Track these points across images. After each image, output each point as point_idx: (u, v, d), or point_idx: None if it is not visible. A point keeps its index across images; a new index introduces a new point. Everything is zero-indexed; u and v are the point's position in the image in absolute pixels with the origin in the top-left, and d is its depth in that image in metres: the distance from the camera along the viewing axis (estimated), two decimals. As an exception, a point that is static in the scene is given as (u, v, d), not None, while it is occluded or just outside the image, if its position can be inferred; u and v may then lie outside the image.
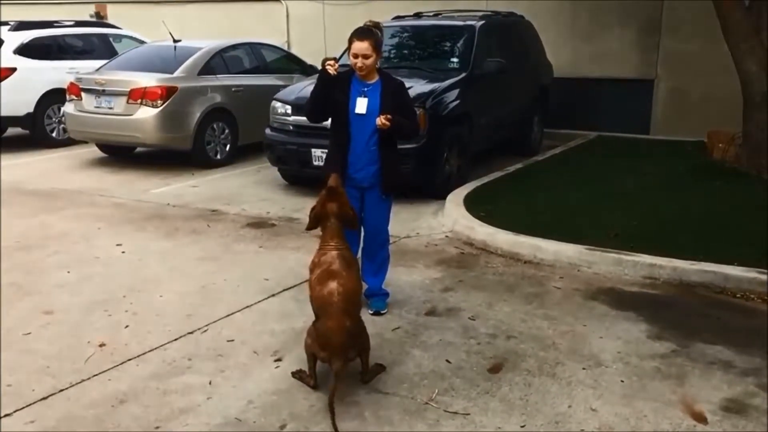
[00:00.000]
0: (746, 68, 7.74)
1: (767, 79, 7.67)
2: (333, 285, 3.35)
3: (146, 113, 8.47)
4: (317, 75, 4.20)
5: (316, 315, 3.43)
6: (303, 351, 3.51)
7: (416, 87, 6.89)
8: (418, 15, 9.27)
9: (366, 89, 4.15)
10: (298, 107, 7.26)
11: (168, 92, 8.49)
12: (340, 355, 3.27)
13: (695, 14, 9.69)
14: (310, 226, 3.68)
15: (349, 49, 4.09)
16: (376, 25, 4.16)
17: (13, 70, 9.95)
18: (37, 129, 10.40)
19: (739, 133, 8.18)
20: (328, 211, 3.60)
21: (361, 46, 4.02)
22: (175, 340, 4.03)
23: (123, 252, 5.64)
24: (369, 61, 4.06)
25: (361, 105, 4.13)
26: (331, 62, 4.05)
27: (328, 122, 4.36)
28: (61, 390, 3.47)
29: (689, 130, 10.00)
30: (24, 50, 10.26)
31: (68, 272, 5.16)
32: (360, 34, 4.06)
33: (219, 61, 9.33)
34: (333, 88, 4.13)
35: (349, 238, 3.73)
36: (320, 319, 3.38)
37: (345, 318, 3.31)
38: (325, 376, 3.43)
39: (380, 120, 4.02)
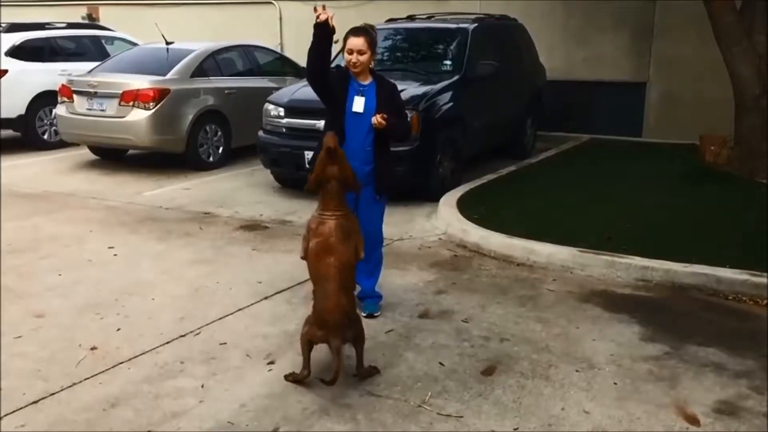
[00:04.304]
0: (738, 72, 7.77)
1: (759, 82, 7.71)
2: (330, 260, 3.42)
3: (138, 115, 8.44)
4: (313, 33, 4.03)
5: (313, 282, 3.50)
6: (296, 354, 3.53)
7: (409, 89, 6.90)
8: (411, 18, 9.28)
9: (362, 89, 4.15)
10: (291, 110, 7.26)
11: (160, 94, 8.47)
12: (337, 334, 3.35)
13: (687, 17, 9.73)
14: (311, 189, 3.61)
15: (343, 47, 4.09)
16: (371, 27, 4.18)
17: (5, 72, 9.90)
18: (28, 131, 10.34)
19: (731, 136, 8.21)
20: (328, 175, 3.54)
21: (357, 41, 4.03)
22: (168, 343, 4.02)
23: (115, 255, 5.62)
24: (363, 58, 4.06)
25: (359, 104, 4.13)
26: (321, 5, 3.85)
27: (322, 124, 4.35)
28: (53, 394, 3.45)
29: (681, 133, 10.05)
30: (15, 52, 10.19)
31: (60, 275, 5.13)
32: (355, 31, 4.08)
33: (212, 63, 9.31)
34: (329, 42, 3.94)
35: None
36: (317, 296, 3.45)
37: (342, 295, 3.40)
38: (318, 368, 3.42)
39: (376, 118, 4.01)
